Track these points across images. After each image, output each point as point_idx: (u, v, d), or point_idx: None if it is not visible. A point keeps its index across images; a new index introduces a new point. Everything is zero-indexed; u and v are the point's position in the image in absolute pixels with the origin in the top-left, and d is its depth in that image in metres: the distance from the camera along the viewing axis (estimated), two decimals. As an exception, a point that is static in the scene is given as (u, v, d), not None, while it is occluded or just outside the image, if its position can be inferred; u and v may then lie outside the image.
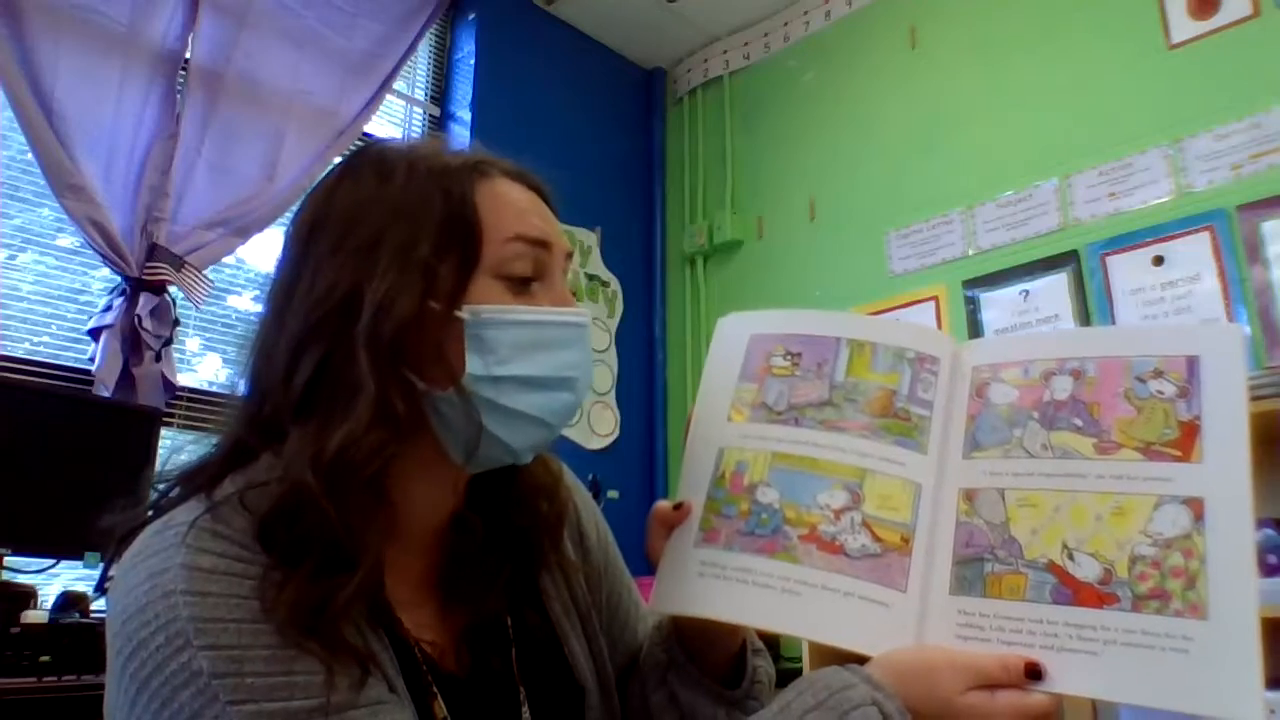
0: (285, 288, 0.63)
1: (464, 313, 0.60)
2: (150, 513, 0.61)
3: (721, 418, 0.72)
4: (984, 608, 0.60)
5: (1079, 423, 0.63)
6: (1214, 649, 0.53)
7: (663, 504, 0.71)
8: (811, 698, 0.56)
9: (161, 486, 0.63)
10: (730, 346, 0.75)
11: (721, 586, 0.65)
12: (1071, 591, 0.58)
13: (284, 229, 0.68)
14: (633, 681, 0.77)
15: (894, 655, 0.59)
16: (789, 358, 0.72)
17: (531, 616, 0.72)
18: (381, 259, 0.60)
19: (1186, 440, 0.59)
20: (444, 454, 0.63)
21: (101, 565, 0.62)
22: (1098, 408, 0.63)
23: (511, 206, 0.64)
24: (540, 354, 0.62)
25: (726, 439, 0.71)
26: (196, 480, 0.61)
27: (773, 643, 2.72)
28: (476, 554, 0.70)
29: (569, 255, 0.68)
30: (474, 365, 0.60)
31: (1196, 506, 0.57)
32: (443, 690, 0.63)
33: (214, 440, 0.64)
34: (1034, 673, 0.56)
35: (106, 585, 0.59)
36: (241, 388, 0.65)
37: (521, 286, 0.63)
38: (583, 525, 0.81)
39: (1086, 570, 0.58)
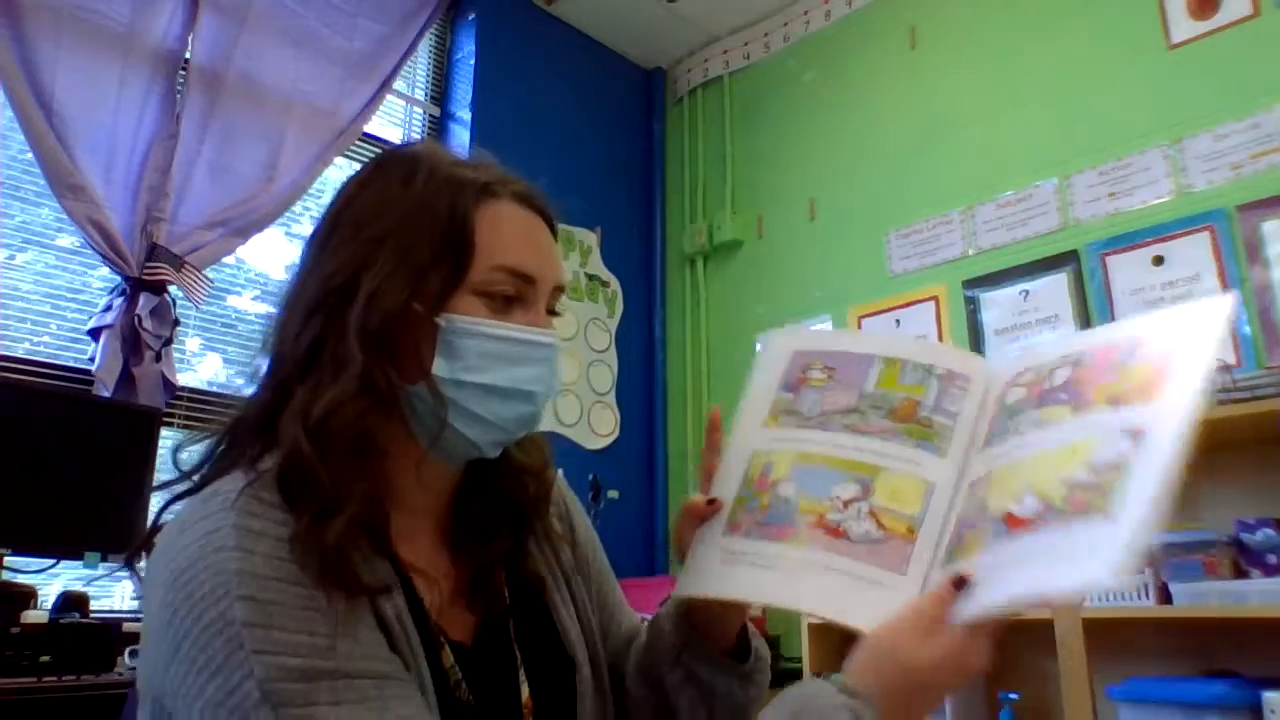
0: (309, 263, 0.71)
1: (441, 319, 0.66)
2: (195, 479, 0.67)
3: (758, 424, 0.77)
4: (958, 570, 0.62)
5: (1064, 396, 0.65)
6: (1112, 537, 0.55)
7: (696, 498, 0.75)
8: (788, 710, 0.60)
9: (196, 451, 0.69)
10: (773, 359, 0.80)
11: (740, 571, 0.70)
12: (1010, 527, 0.60)
13: (321, 211, 0.74)
14: (639, 665, 0.82)
15: (867, 642, 0.62)
16: (825, 371, 0.76)
17: (527, 568, 0.78)
18: (382, 254, 0.66)
19: (1151, 386, 0.61)
20: (418, 443, 0.70)
21: (144, 536, 0.66)
22: (1085, 383, 0.65)
23: (508, 234, 0.69)
24: (503, 366, 0.68)
25: (759, 443, 0.76)
26: (238, 443, 0.67)
27: (773, 643, 2.72)
28: (478, 516, 0.76)
29: (559, 288, 0.73)
30: (440, 368, 0.66)
31: (1138, 434, 0.59)
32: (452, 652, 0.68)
33: (247, 398, 0.70)
34: (959, 583, 0.59)
35: (139, 557, 0.64)
36: (269, 348, 0.71)
37: (502, 305, 0.69)
38: (574, 520, 0.87)
39: (1028, 507, 0.60)
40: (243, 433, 0.68)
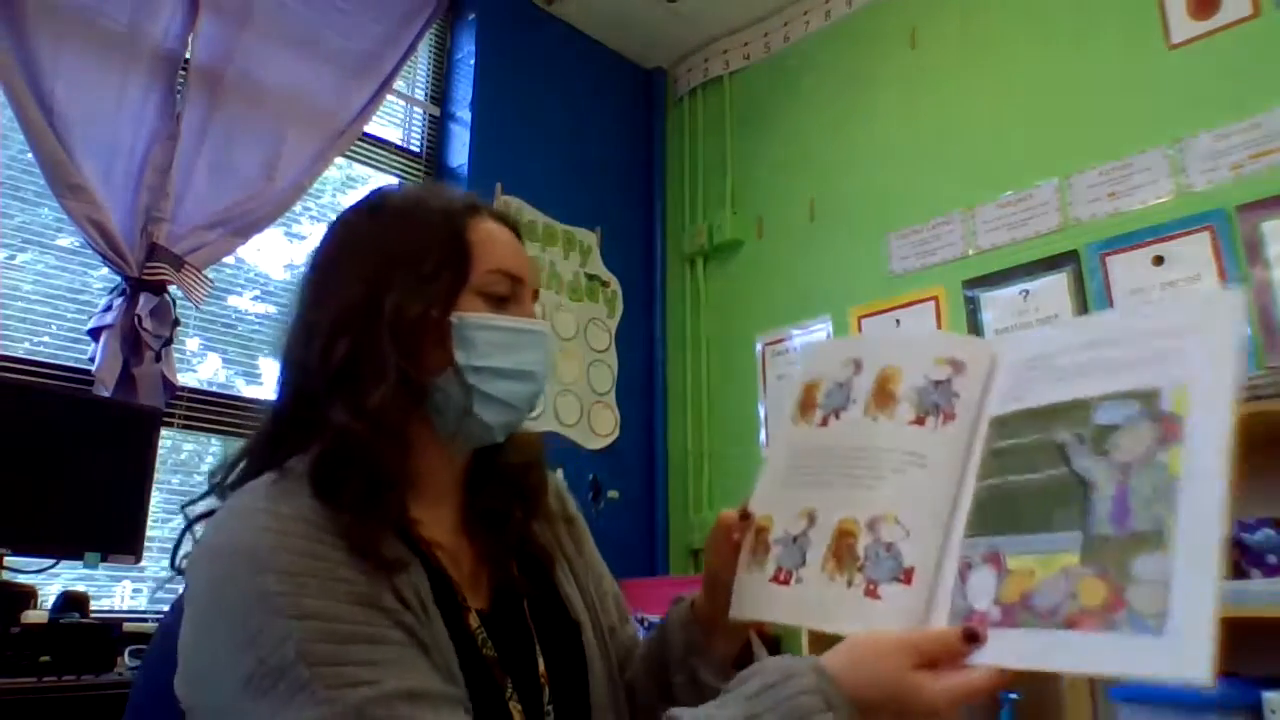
0: (318, 293, 0.81)
1: (454, 318, 0.79)
2: (217, 496, 0.77)
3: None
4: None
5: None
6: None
7: (729, 513, 0.80)
8: (760, 681, 0.61)
9: (225, 465, 0.79)
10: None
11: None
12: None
13: (313, 247, 0.86)
14: (646, 665, 0.87)
15: (851, 641, 0.62)
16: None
17: (533, 546, 0.88)
18: (397, 275, 0.78)
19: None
20: (439, 434, 0.81)
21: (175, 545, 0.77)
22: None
23: (496, 244, 0.83)
24: (508, 352, 0.81)
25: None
26: (259, 454, 0.77)
27: (774, 643, 2.72)
28: (487, 502, 0.86)
29: (535, 290, 0.87)
30: (460, 357, 0.79)
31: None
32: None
33: (269, 415, 0.80)
34: (970, 635, 0.58)
35: (181, 561, 0.72)
36: (278, 369, 0.81)
37: (498, 303, 0.82)
38: (567, 508, 0.97)
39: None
40: (267, 444, 0.77)
